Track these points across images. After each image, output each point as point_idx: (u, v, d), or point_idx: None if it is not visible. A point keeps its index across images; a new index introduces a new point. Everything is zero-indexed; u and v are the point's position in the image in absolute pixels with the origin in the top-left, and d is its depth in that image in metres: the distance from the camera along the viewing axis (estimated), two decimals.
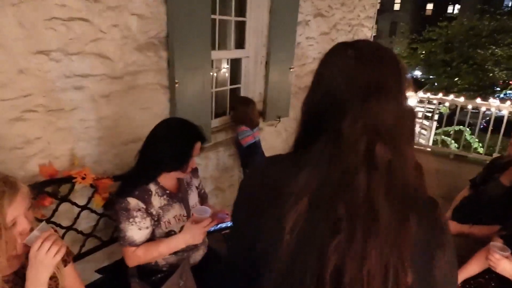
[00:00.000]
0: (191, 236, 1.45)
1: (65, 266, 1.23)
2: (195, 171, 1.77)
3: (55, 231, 1.26)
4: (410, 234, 0.63)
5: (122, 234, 1.48)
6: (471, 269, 1.70)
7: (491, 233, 1.84)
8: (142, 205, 1.49)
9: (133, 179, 1.54)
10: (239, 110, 2.85)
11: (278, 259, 0.65)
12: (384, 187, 0.63)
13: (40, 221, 1.45)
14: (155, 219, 1.53)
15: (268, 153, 3.35)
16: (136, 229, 1.48)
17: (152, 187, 1.55)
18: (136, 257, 1.50)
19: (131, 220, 1.47)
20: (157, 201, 1.54)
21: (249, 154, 2.92)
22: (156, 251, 1.50)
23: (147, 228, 1.50)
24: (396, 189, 0.64)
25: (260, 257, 0.72)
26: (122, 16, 1.86)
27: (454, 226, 1.99)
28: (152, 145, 1.54)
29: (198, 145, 1.55)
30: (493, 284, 1.66)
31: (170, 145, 1.51)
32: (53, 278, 1.14)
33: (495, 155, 4.20)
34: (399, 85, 0.69)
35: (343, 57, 0.75)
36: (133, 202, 1.47)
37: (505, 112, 4.80)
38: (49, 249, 1.02)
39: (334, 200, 0.62)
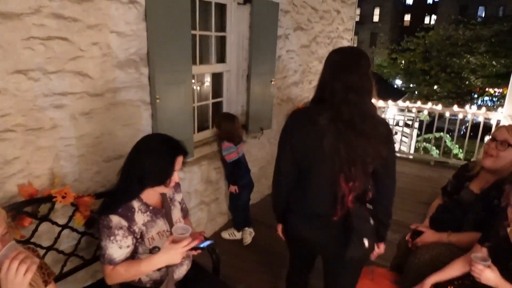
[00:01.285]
0: (171, 256, 1.43)
1: (45, 286, 1.21)
2: (177, 186, 1.77)
3: (33, 250, 1.25)
4: (379, 133, 1.43)
5: (102, 251, 1.47)
6: (449, 272, 1.74)
7: (470, 242, 1.88)
8: (124, 223, 1.48)
9: (116, 196, 1.54)
10: (223, 126, 2.87)
11: (322, 156, 1.45)
12: (358, 113, 1.40)
13: (19, 242, 1.43)
14: (138, 236, 1.53)
15: (252, 165, 3.38)
16: (117, 247, 1.47)
17: (135, 204, 1.54)
18: (116, 274, 1.49)
19: (112, 238, 1.46)
20: (140, 218, 1.54)
21: (235, 169, 2.95)
22: (137, 270, 1.48)
23: (127, 247, 1.49)
24: (365, 113, 1.42)
25: (305, 159, 1.53)
26: (102, 34, 1.87)
27: (432, 235, 2.02)
28: (133, 162, 1.54)
29: (179, 159, 1.56)
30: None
31: (151, 160, 1.51)
32: None
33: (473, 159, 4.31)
34: (365, 68, 1.47)
35: (331, 60, 1.53)
36: (115, 219, 1.47)
37: (481, 119, 4.96)
38: (17, 268, 0.99)
39: (337, 122, 1.40)
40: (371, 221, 1.59)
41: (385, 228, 1.66)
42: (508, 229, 1.60)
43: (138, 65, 2.11)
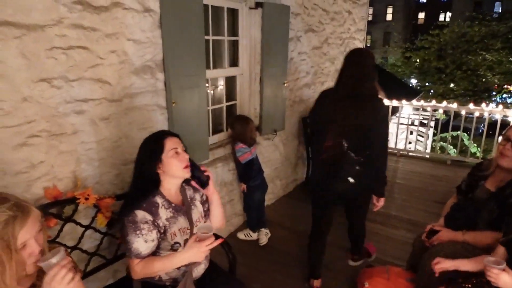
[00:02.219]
0: (194, 254, 1.49)
1: None
2: (195, 188, 1.83)
3: (68, 255, 1.32)
4: (372, 107, 2.09)
5: (128, 246, 1.53)
6: (466, 265, 1.71)
7: (485, 240, 1.87)
8: (149, 217, 1.55)
9: (137, 193, 1.61)
10: (236, 128, 2.93)
11: (330, 119, 2.15)
12: (359, 92, 2.09)
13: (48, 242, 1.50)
14: (162, 231, 1.59)
15: (265, 166, 3.42)
16: (142, 241, 1.53)
17: (159, 199, 1.62)
18: (141, 268, 1.55)
19: (137, 232, 1.52)
20: (163, 213, 1.61)
21: (248, 170, 2.99)
22: (162, 264, 1.55)
23: (152, 241, 1.55)
24: (363, 93, 2.09)
25: (328, 121, 2.17)
26: (119, 42, 1.95)
27: (447, 233, 2.02)
28: (137, 161, 1.66)
29: (170, 140, 1.63)
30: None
31: (144, 150, 1.64)
32: None
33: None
34: (368, 63, 2.14)
35: (346, 57, 2.22)
36: (140, 214, 1.54)
37: (498, 116, 4.88)
38: (64, 276, 1.07)
39: (343, 98, 2.12)
40: (357, 167, 2.14)
41: (381, 184, 2.30)
42: None
43: (153, 71, 2.19)
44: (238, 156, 2.94)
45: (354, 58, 2.17)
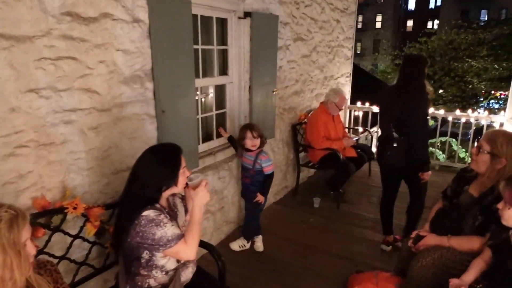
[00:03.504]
0: (201, 197, 1.66)
1: None
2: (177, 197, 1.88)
3: (51, 263, 1.32)
4: (417, 100, 2.72)
5: (165, 239, 1.54)
6: (470, 276, 1.78)
7: (470, 245, 1.92)
8: (158, 211, 1.60)
9: (141, 202, 1.61)
10: (239, 135, 2.98)
11: (388, 107, 2.94)
12: (409, 88, 2.75)
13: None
14: None
15: None
16: (170, 226, 1.58)
17: (156, 205, 1.65)
18: (190, 244, 1.60)
19: (161, 224, 1.55)
20: (164, 217, 1.63)
21: (270, 181, 3.04)
22: (194, 225, 1.64)
23: (173, 224, 1.62)
24: (412, 89, 2.74)
25: (385, 109, 3.00)
26: (108, 53, 1.97)
27: (433, 239, 2.06)
28: (145, 172, 1.63)
29: (183, 157, 1.70)
30: None
31: (163, 166, 1.64)
32: None
33: None
34: (419, 65, 2.79)
35: (404, 61, 2.98)
36: (150, 212, 1.57)
37: (484, 122, 4.98)
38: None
39: (398, 92, 2.83)
40: (400, 146, 2.69)
41: (424, 161, 2.80)
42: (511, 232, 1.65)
43: (143, 80, 2.20)
44: (264, 166, 2.94)
45: (407, 61, 2.90)
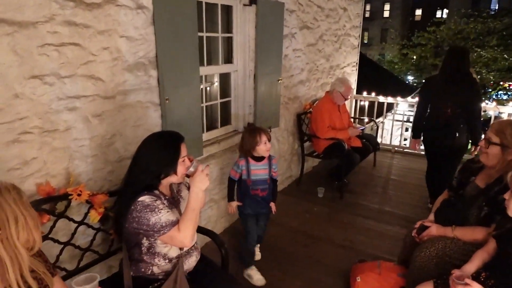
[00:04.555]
0: (200, 181, 1.59)
1: (52, 276, 1.31)
2: (182, 184, 1.87)
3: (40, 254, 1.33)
4: (467, 89, 3.15)
5: (158, 225, 1.54)
6: (472, 267, 1.76)
7: (475, 236, 1.90)
8: (154, 197, 1.60)
9: (138, 188, 1.62)
10: (244, 138, 2.58)
11: (436, 95, 3.31)
12: (458, 78, 3.16)
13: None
14: None
15: None
16: (165, 213, 1.57)
17: (156, 191, 1.66)
18: (184, 231, 1.56)
19: (156, 210, 1.55)
20: (161, 204, 1.63)
21: (275, 188, 2.72)
22: (192, 211, 1.58)
23: (169, 210, 1.61)
24: (461, 78, 3.15)
25: (429, 99, 3.42)
26: (112, 39, 1.95)
27: (437, 229, 2.05)
28: (145, 158, 1.65)
29: (183, 146, 1.68)
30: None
31: (163, 153, 1.64)
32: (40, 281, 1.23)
33: None
34: (464, 56, 3.18)
35: (447, 51, 3.38)
36: (146, 198, 1.57)
37: (491, 113, 4.92)
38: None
39: (446, 82, 3.21)
40: (461, 126, 3.20)
41: (476, 137, 3.23)
42: None
43: (147, 68, 2.19)
44: (275, 170, 2.63)
45: (453, 52, 3.21)
